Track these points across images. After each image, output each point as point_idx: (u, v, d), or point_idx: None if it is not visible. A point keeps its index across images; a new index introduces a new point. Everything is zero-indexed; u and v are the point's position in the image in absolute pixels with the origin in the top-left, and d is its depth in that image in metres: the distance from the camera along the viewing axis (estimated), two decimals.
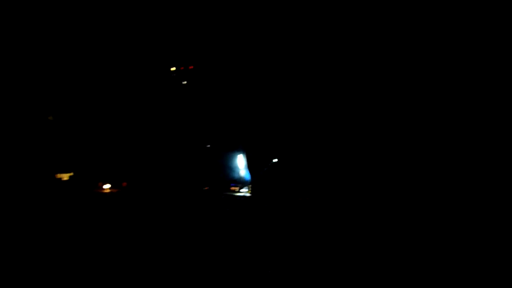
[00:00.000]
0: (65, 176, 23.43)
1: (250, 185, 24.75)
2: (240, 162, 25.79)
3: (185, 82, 24.74)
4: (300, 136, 23.06)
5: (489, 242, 9.64)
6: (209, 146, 25.75)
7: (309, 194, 21.70)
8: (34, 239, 10.61)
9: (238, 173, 25.93)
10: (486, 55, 15.50)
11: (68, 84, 23.35)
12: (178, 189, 23.96)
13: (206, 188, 25.83)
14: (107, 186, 23.85)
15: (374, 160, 20.25)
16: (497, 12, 14.63)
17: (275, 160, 24.03)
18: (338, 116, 21.81)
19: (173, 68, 24.51)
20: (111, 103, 24.32)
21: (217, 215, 15.31)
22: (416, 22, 16.92)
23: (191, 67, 24.41)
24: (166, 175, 24.47)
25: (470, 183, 15.93)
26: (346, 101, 21.52)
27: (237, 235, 11.16)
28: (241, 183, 25.58)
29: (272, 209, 17.28)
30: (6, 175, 21.64)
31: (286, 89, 22.71)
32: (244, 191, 25.16)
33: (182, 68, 24.43)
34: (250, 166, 24.69)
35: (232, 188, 25.69)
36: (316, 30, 20.46)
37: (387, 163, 19.89)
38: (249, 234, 11.31)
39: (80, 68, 23.49)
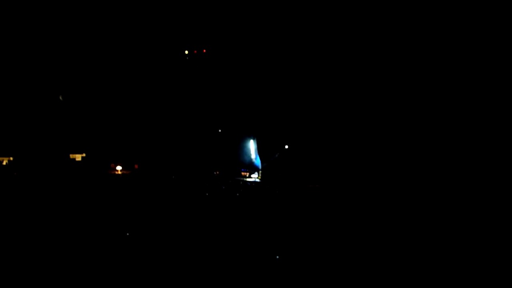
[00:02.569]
0: (78, 157, 23.70)
1: (260, 171, 24.49)
2: (251, 148, 25.41)
3: (198, 66, 24.34)
4: (312, 123, 22.60)
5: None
6: (220, 131, 25.44)
7: (319, 181, 21.28)
8: (48, 219, 10.62)
9: (249, 158, 25.54)
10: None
11: (81, 66, 23.16)
12: (189, 173, 23.68)
13: (216, 172, 25.74)
14: (119, 167, 23.89)
15: (387, 150, 19.91)
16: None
17: (286, 147, 23.70)
18: (351, 104, 21.42)
19: (187, 52, 24.12)
20: (124, 85, 24.15)
21: (227, 200, 14.77)
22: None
23: (204, 50, 23.98)
24: (177, 159, 24.28)
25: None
26: (360, 88, 21.12)
27: (247, 221, 10.95)
28: (252, 168, 25.28)
29: (283, 196, 16.66)
30: (23, 156, 21.77)
31: (300, 75, 22.19)
32: (255, 177, 24.86)
33: (195, 51, 24.02)
34: (261, 152, 24.33)
35: (243, 173, 25.36)
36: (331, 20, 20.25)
37: (401, 153, 19.64)
38: (259, 220, 11.05)
39: (93, 50, 23.36)
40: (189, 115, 24.84)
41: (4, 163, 21.64)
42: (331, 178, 21.29)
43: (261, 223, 10.65)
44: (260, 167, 24.37)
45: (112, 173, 23.39)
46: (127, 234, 8.92)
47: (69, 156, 23.31)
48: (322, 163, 21.99)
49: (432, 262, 7.82)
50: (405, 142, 19.19)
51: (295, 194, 17.32)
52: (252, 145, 25.39)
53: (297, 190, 18.79)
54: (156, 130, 24.33)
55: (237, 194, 16.35)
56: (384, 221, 11.50)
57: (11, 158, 21.73)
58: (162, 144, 24.29)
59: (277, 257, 7.66)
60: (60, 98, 22.89)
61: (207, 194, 15.67)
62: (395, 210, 13.61)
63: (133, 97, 24.14)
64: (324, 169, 21.80)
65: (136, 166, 24.51)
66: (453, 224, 11.21)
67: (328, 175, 21.48)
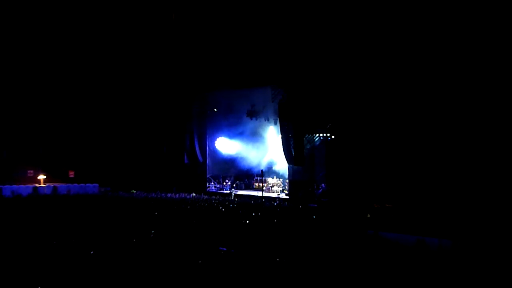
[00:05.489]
0: None
1: (287, 181, 17.71)
2: (271, 139, 19.10)
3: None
4: (377, 95, 15.86)
5: None
6: (216, 110, 18.56)
7: (392, 198, 15.95)
8: None
9: (267, 160, 19.89)
10: None
11: None
12: (161, 183, 17.22)
13: (211, 181, 19.39)
14: (42, 176, 17.18)
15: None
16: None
17: (332, 136, 16.87)
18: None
19: None
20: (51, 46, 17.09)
21: (229, 234, 10.26)
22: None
23: None
24: (140, 160, 17.61)
25: None
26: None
27: (266, 270, 7.38)
28: (272, 176, 18.86)
29: (328, 224, 12.62)
30: None
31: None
32: (278, 190, 18.14)
33: None
34: (288, 145, 16.48)
35: (256, 184, 19.84)
36: None
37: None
38: (287, 269, 7.55)
39: None
40: (159, 86, 17.59)
41: None
42: (414, 192, 15.82)
43: (290, 272, 7.58)
44: (288, 173, 17.54)
45: (31, 185, 16.56)
46: None
47: None
48: (396, 165, 16.46)
49: None
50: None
51: (350, 220, 13.96)
52: (272, 135, 18.84)
53: (354, 213, 15.06)
54: (105, 115, 17.80)
55: (247, 222, 12.45)
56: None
57: None
58: (115, 137, 17.80)
59: None
60: None
61: (194, 222, 11.83)
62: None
63: (64, 65, 17.30)
64: (401, 177, 16.34)
65: (71, 174, 17.91)
66: None
67: (409, 186, 16.03)
